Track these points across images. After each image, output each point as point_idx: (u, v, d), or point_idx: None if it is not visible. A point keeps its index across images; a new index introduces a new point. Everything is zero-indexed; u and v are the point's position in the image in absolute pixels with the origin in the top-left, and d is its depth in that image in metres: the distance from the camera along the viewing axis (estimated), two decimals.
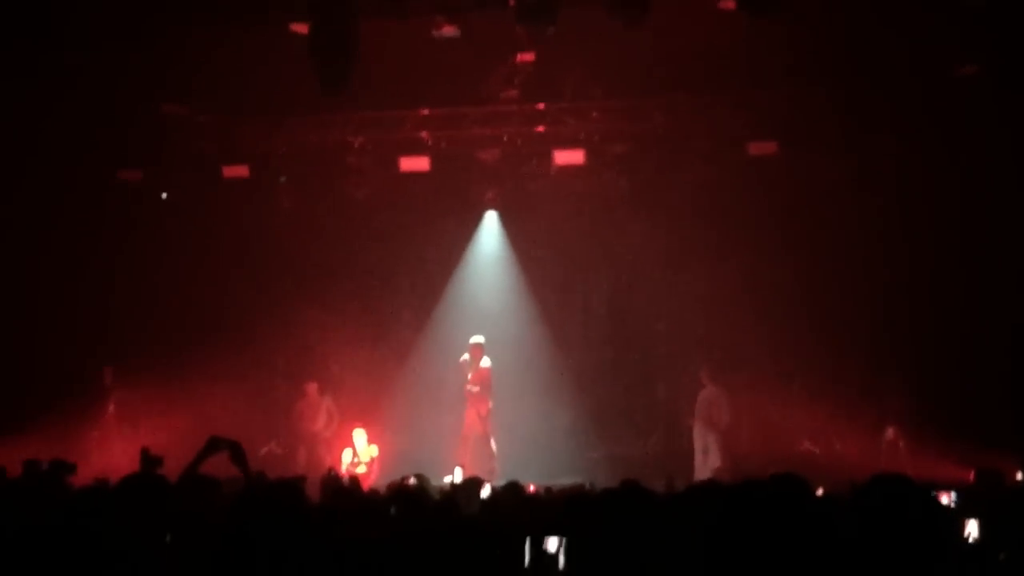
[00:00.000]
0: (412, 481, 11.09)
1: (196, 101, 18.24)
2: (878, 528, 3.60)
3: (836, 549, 3.36)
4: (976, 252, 16.96)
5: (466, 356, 18.27)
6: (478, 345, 18.29)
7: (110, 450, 17.76)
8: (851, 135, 17.85)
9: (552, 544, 6.70)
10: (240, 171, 19.01)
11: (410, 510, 5.69)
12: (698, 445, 18.04)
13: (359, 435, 18.30)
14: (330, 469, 15.99)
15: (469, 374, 18.22)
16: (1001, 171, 16.45)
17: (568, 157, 18.72)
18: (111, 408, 18.67)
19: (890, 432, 17.36)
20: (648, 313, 19.34)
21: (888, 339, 17.49)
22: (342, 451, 18.23)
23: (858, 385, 17.58)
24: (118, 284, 18.50)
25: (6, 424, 16.00)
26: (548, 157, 18.93)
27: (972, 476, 10.97)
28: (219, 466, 6.18)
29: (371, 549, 4.45)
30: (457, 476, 14.21)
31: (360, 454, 18.15)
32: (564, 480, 13.66)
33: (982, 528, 6.92)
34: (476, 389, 18.17)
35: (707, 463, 17.53)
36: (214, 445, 6.22)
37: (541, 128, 18.75)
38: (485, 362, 18.25)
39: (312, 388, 19.00)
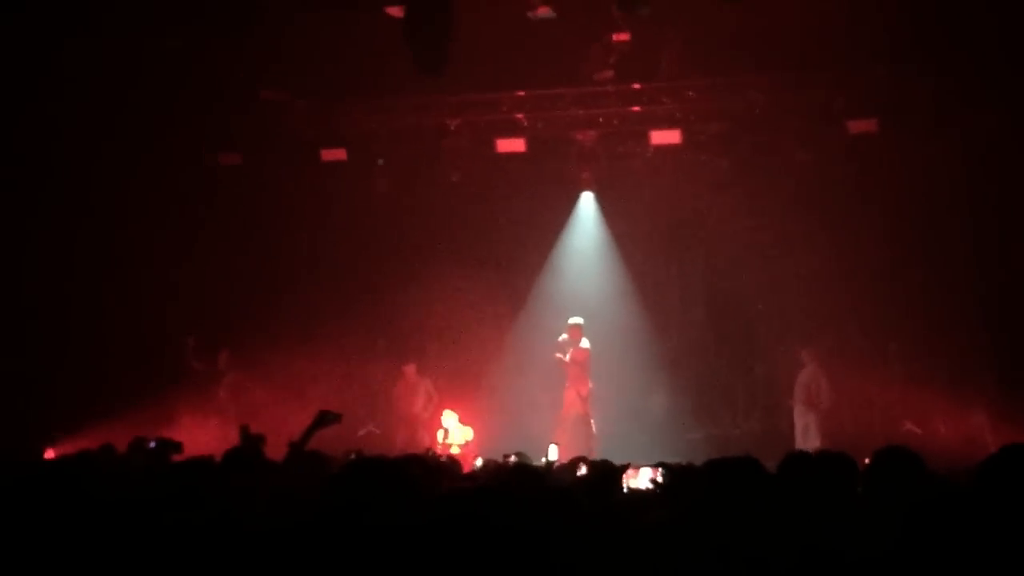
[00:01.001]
0: (512, 459, 11.15)
1: (294, 86, 18.41)
2: (1007, 498, 3.55)
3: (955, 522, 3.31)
4: None
5: (564, 336, 18.27)
6: (577, 326, 18.28)
7: (221, 431, 18.04)
8: (951, 112, 17.56)
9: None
10: (338, 154, 19.17)
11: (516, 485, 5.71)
12: (798, 425, 17.91)
13: (449, 417, 18.40)
14: (428, 449, 16.17)
15: (567, 354, 18.23)
16: None
17: (664, 137, 18.63)
18: (222, 391, 18.92)
19: (980, 417, 17.09)
20: (746, 293, 19.19)
21: (990, 321, 17.22)
22: (437, 433, 18.37)
23: (959, 367, 17.32)
24: (223, 268, 18.77)
25: (120, 405, 16.38)
26: (645, 137, 18.86)
27: None
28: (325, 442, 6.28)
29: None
30: (552, 454, 14.23)
31: (452, 436, 18.25)
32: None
33: None
34: (576, 365, 18.17)
35: (807, 443, 17.37)
36: (323, 418, 6.32)
37: (637, 108, 18.66)
38: (584, 343, 18.24)
39: (411, 370, 19.12)
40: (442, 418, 18.41)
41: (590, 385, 18.33)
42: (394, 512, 3.97)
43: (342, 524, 3.99)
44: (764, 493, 4.13)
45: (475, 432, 18.32)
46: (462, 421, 18.37)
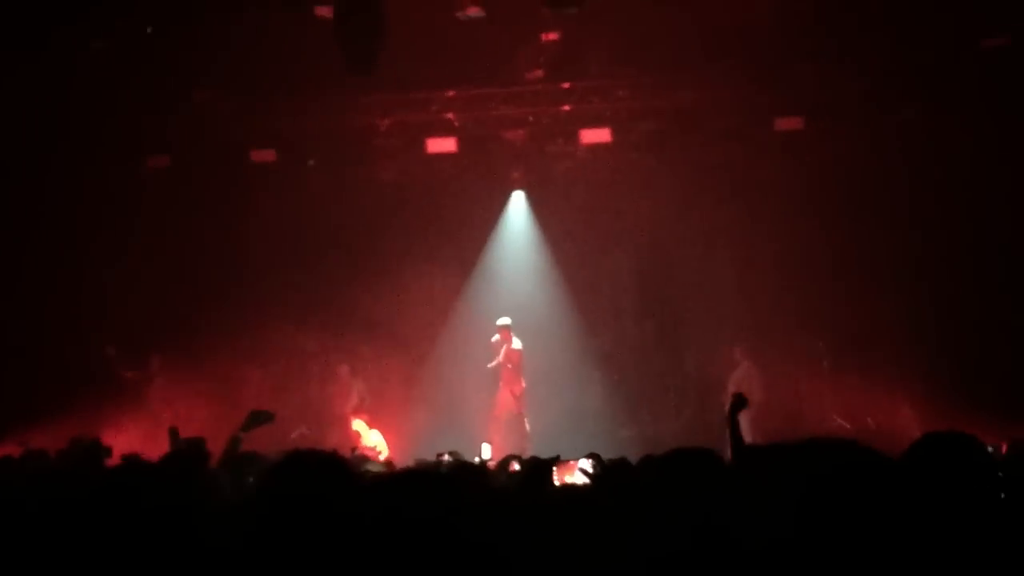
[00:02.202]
0: (446, 458, 11.15)
1: (222, 86, 18.29)
2: (932, 482, 3.62)
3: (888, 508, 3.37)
4: (1006, 224, 16.90)
5: (496, 337, 18.36)
6: (506, 327, 18.38)
7: (154, 435, 17.88)
8: (877, 108, 17.82)
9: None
10: (267, 155, 19.08)
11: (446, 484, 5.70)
12: None
13: (358, 424, 18.37)
14: (353, 449, 16.16)
15: (500, 355, 18.30)
16: None
17: (595, 136, 18.73)
18: (154, 396, 18.76)
19: (906, 411, 17.31)
20: (678, 290, 19.29)
21: (917, 314, 17.45)
22: (367, 435, 18.30)
23: (887, 362, 17.53)
24: (151, 270, 18.60)
25: (50, 411, 16.18)
26: (575, 136, 18.95)
27: (1004, 448, 10.94)
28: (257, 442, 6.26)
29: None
30: (485, 453, 14.28)
31: (365, 440, 18.21)
32: None
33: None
34: (509, 366, 18.26)
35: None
36: (255, 418, 6.31)
37: (567, 107, 18.74)
38: (516, 343, 18.32)
39: (344, 370, 19.07)
40: (352, 426, 18.37)
41: (523, 384, 18.42)
42: (329, 501, 3.97)
43: (277, 519, 3.98)
44: (698, 484, 4.17)
45: (407, 433, 18.29)
46: (380, 425, 18.39)
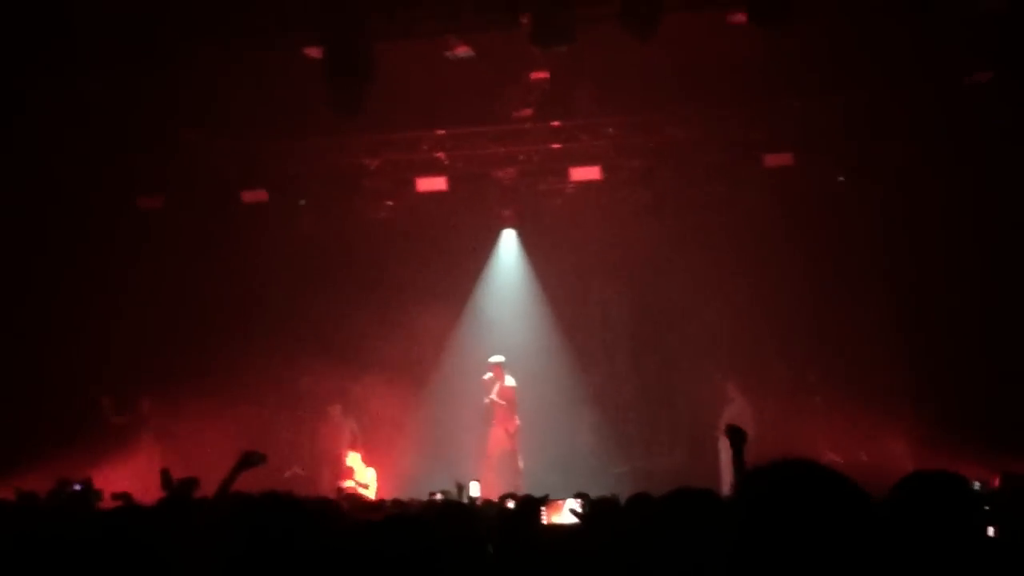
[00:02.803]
0: (439, 497, 11.15)
1: (213, 126, 18.33)
2: (918, 519, 3.64)
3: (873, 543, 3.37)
4: (990, 260, 16.96)
5: (489, 375, 18.39)
6: (498, 364, 18.41)
7: (148, 477, 17.84)
8: (865, 144, 17.90)
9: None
10: (259, 195, 19.11)
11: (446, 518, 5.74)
12: (723, 458, 18.03)
13: (354, 459, 18.39)
14: (339, 489, 16.16)
15: (493, 393, 18.32)
16: (1015, 179, 16.47)
17: (584, 173, 18.78)
18: (148, 436, 18.73)
19: (898, 445, 17.33)
20: (669, 327, 19.34)
21: (907, 349, 17.48)
22: (354, 474, 18.31)
23: (878, 396, 17.55)
24: (143, 312, 18.58)
25: (41, 455, 16.13)
26: (565, 174, 19.00)
27: (997, 481, 10.95)
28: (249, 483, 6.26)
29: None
30: (474, 490, 14.24)
31: (359, 476, 18.22)
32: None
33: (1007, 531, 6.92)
34: (503, 403, 18.28)
35: (730, 476, 17.50)
36: (247, 460, 6.32)
37: (557, 145, 18.79)
38: (509, 380, 18.34)
39: (335, 410, 19.07)
40: (347, 460, 18.38)
41: (517, 422, 18.44)
42: (302, 544, 3.98)
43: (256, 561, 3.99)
44: (685, 523, 4.19)
45: (399, 473, 18.30)
46: (372, 463, 18.42)
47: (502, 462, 18.25)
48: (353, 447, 18.83)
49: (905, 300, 17.50)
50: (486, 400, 18.50)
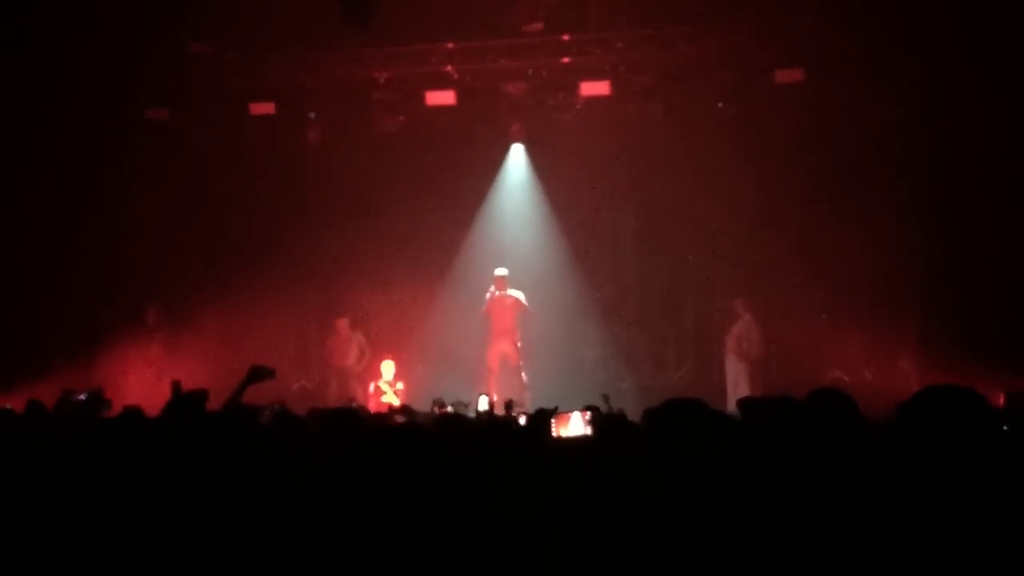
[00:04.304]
0: (449, 409, 11.21)
1: (221, 38, 18.23)
2: (930, 436, 3.63)
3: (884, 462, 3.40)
4: (1001, 176, 16.86)
5: (492, 288, 18.37)
6: (502, 277, 18.38)
7: (156, 388, 17.97)
8: (877, 60, 17.75)
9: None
10: (267, 108, 19.03)
11: (453, 431, 5.76)
12: (729, 375, 18.13)
13: (388, 366, 18.49)
14: (351, 400, 16.22)
15: (493, 305, 18.33)
16: None
17: (594, 88, 18.66)
18: (155, 348, 18.84)
19: (903, 362, 17.37)
20: (678, 243, 19.34)
21: (914, 267, 17.45)
22: (370, 384, 18.45)
23: (884, 314, 17.56)
24: (151, 224, 18.59)
25: (48, 365, 16.24)
26: (574, 89, 18.87)
27: (1001, 400, 10.96)
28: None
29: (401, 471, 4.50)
30: (482, 404, 14.32)
31: (383, 386, 18.34)
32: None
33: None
34: (505, 316, 18.29)
35: (737, 393, 17.57)
36: (255, 374, 6.35)
37: (566, 60, 18.66)
38: (513, 292, 18.34)
39: (343, 324, 19.13)
40: (381, 366, 18.48)
41: (520, 335, 18.47)
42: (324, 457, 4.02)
43: (274, 478, 4.02)
44: (706, 434, 4.19)
45: (406, 385, 18.41)
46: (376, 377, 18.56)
47: (507, 375, 18.33)
48: (360, 361, 18.94)
49: (914, 217, 17.42)
50: (482, 310, 18.50)
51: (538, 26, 17.99)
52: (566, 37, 18.36)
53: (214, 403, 7.21)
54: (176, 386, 8.06)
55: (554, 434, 7.93)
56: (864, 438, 3.69)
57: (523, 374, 18.39)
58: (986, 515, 3.53)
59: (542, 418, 6.81)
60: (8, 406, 9.41)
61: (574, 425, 8.64)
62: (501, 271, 18.40)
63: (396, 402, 17.74)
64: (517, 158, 20.15)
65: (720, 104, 18.50)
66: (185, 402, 6.10)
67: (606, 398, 11.52)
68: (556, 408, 8.52)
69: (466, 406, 13.31)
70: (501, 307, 18.40)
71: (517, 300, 18.41)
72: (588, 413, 8.38)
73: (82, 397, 9.23)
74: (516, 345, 18.44)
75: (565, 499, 4.42)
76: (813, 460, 3.48)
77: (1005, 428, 4.60)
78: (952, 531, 3.49)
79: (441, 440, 3.96)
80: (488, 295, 18.39)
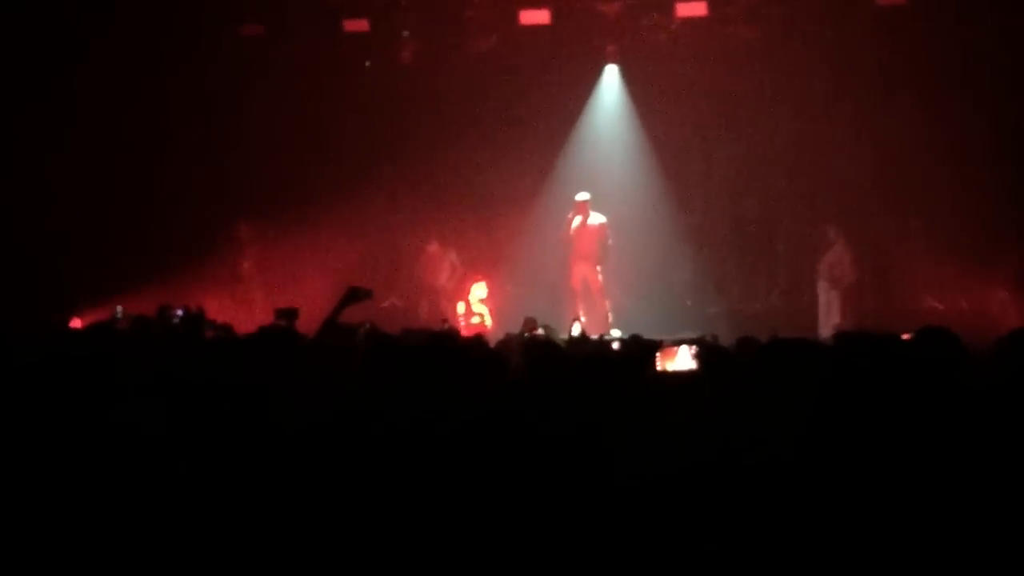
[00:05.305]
0: (540, 332, 11.20)
1: None
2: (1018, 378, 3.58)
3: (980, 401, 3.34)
4: None
5: (574, 212, 18.18)
6: (584, 202, 18.18)
7: (247, 303, 18.22)
8: None
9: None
10: (361, 25, 19.00)
11: (541, 358, 5.74)
12: (821, 301, 17.96)
13: (478, 288, 18.53)
14: (445, 320, 16.29)
15: (572, 228, 18.19)
16: None
17: (691, 9, 18.40)
18: (245, 264, 19.07)
19: (1001, 293, 17.10)
20: (772, 168, 19.12)
21: (1013, 197, 17.15)
22: (458, 304, 18.55)
23: (981, 242, 17.27)
24: (244, 140, 18.73)
25: (142, 277, 16.52)
26: (670, 9, 18.61)
27: None
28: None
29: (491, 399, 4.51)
30: (576, 331, 14.29)
31: (474, 307, 18.40)
32: (683, 335, 13.57)
33: None
34: (589, 241, 18.16)
35: (829, 320, 17.44)
36: (353, 295, 6.37)
37: None
38: (595, 218, 18.16)
39: (433, 247, 19.21)
40: (472, 288, 18.54)
41: (602, 259, 18.30)
42: (427, 410, 4.02)
43: (370, 421, 4.04)
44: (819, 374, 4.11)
45: (496, 304, 18.47)
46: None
47: (589, 299, 18.27)
48: (451, 279, 19.03)
49: (1013, 147, 17.06)
50: (564, 234, 18.35)
51: None
52: None
53: (305, 320, 7.28)
54: (279, 314, 7.92)
55: (659, 368, 7.80)
56: (968, 385, 3.63)
57: (606, 299, 18.30)
58: None
59: (646, 352, 6.72)
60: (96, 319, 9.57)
61: (681, 359, 8.45)
62: (583, 195, 18.18)
63: (489, 323, 17.82)
64: (611, 79, 19.96)
65: (821, 28, 18.12)
66: (281, 320, 6.16)
67: (716, 338, 11.36)
68: (661, 341, 8.44)
69: (555, 330, 13.26)
70: (582, 231, 18.25)
71: (600, 226, 18.22)
72: (695, 347, 8.21)
73: (179, 313, 9.35)
74: (596, 270, 18.30)
75: (676, 442, 4.36)
76: (918, 406, 3.43)
77: None
78: None
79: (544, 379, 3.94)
80: (570, 218, 18.24)
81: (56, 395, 4.49)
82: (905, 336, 5.39)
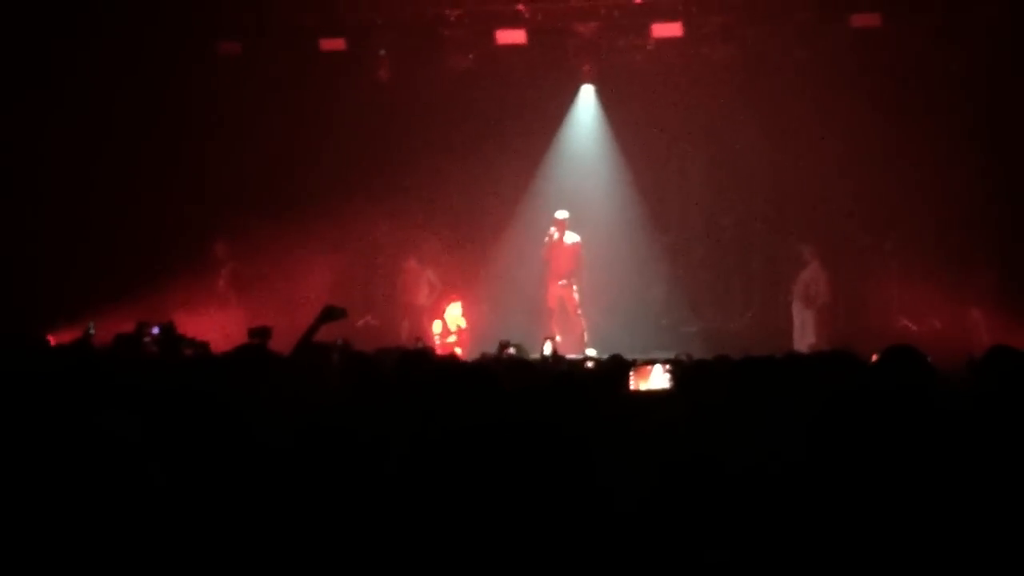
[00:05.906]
0: (511, 351, 11.23)
1: None
2: (996, 397, 3.61)
3: (952, 420, 3.38)
4: None
5: (553, 230, 18.25)
6: (562, 220, 18.24)
7: (222, 321, 18.16)
8: (955, 6, 17.47)
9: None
10: (337, 44, 19.04)
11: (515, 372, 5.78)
12: (796, 322, 18.02)
13: (454, 308, 18.53)
14: (418, 339, 16.28)
15: (553, 247, 18.23)
16: None
17: (666, 30, 18.50)
18: (221, 282, 19.05)
19: (974, 313, 17.18)
20: (747, 187, 19.22)
21: (985, 217, 17.26)
22: (434, 323, 18.53)
23: (955, 263, 17.37)
24: (221, 158, 18.68)
25: (118, 295, 16.45)
26: (646, 30, 18.71)
27: None
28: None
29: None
30: (547, 349, 14.33)
31: (450, 325, 18.40)
32: (658, 354, 13.59)
33: None
34: (565, 260, 18.19)
35: (803, 340, 17.50)
36: (328, 314, 6.38)
37: (638, 0, 18.50)
38: (571, 237, 18.22)
39: (411, 264, 19.22)
40: (447, 308, 18.52)
41: (580, 278, 18.36)
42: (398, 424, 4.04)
43: (343, 435, 4.05)
44: (786, 392, 4.16)
45: (470, 323, 18.47)
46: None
47: (563, 317, 18.31)
48: (430, 297, 19.04)
49: (990, 166, 17.17)
50: (542, 252, 18.39)
51: None
52: None
53: (280, 338, 7.28)
54: (252, 333, 7.95)
55: (632, 387, 7.81)
56: (938, 407, 3.66)
57: (581, 317, 18.34)
58: None
59: (619, 370, 6.74)
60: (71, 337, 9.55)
61: (655, 378, 8.44)
62: (562, 213, 18.25)
63: (459, 350, 17.83)
64: (587, 99, 20.03)
65: (794, 48, 18.24)
66: (253, 339, 6.17)
67: (690, 357, 11.40)
68: (635, 360, 8.45)
69: (527, 350, 13.25)
70: (559, 250, 18.29)
71: (575, 244, 18.27)
72: (668, 366, 8.22)
73: (155, 331, 9.33)
74: (572, 289, 18.33)
75: (649, 458, 4.39)
76: (887, 426, 3.46)
77: None
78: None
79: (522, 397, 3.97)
80: (547, 237, 18.28)
81: (32, 409, 4.49)
82: (874, 357, 5.44)
